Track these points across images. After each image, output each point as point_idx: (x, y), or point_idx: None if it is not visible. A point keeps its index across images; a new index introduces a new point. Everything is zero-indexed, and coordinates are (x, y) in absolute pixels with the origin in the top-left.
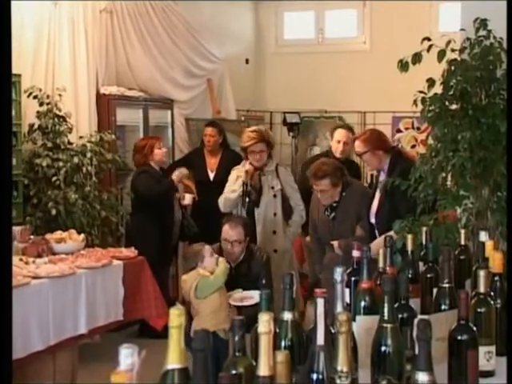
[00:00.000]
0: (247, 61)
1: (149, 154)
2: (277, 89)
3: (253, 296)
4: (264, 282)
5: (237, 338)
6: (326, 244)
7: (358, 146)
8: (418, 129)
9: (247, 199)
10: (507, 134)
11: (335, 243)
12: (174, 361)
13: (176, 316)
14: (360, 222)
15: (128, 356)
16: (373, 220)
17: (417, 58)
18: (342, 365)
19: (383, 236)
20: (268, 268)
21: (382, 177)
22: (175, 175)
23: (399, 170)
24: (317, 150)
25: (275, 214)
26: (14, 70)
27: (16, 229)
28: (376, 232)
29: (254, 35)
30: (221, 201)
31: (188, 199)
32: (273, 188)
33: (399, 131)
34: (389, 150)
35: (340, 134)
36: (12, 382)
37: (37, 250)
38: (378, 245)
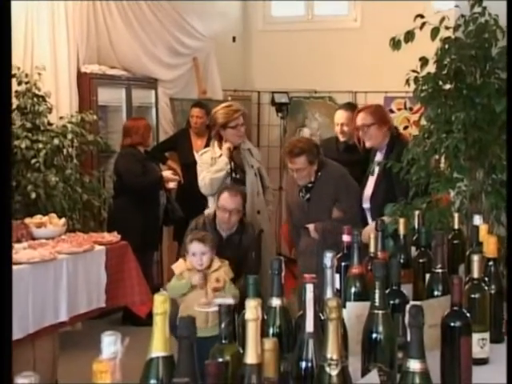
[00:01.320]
0: (234, 39)
1: (147, 137)
2: (265, 68)
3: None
4: (254, 255)
5: (223, 325)
6: (300, 228)
7: (364, 117)
8: (411, 109)
9: (237, 176)
10: (507, 117)
11: (311, 226)
12: (158, 348)
13: (160, 302)
14: (337, 204)
15: (111, 344)
16: (366, 205)
17: (409, 35)
18: (331, 352)
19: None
20: (259, 244)
21: (378, 157)
22: (166, 175)
23: (398, 151)
24: (306, 132)
25: (258, 193)
26: None
27: None
28: (369, 217)
29: (241, 12)
30: (205, 183)
31: (172, 183)
32: (252, 166)
33: (391, 112)
34: (390, 128)
35: (337, 116)
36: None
37: (16, 234)
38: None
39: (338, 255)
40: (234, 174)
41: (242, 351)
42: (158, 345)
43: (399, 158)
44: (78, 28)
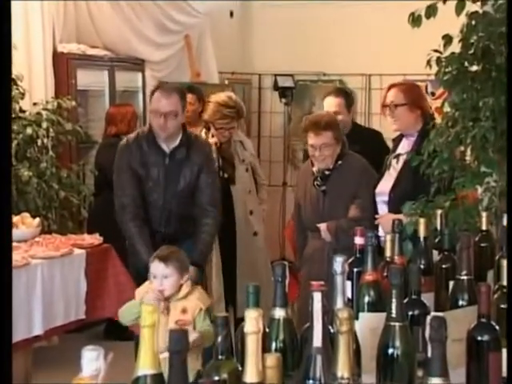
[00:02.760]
0: (231, 14)
1: (134, 125)
2: (266, 47)
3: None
4: (208, 173)
5: (220, 339)
6: (309, 230)
7: (396, 95)
8: (433, 94)
9: (225, 175)
10: (507, 116)
11: (323, 226)
12: (146, 365)
13: (148, 313)
14: (356, 201)
15: (92, 360)
16: (383, 198)
17: (431, 10)
18: (342, 370)
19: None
20: (212, 160)
21: (405, 146)
22: None
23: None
24: None
25: (250, 191)
26: None
27: None
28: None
29: None
30: None
31: None
32: (244, 161)
33: None
34: (425, 114)
35: (327, 103)
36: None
37: None
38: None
39: (350, 260)
40: (221, 173)
41: (240, 368)
42: (146, 361)
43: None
44: (54, 4)
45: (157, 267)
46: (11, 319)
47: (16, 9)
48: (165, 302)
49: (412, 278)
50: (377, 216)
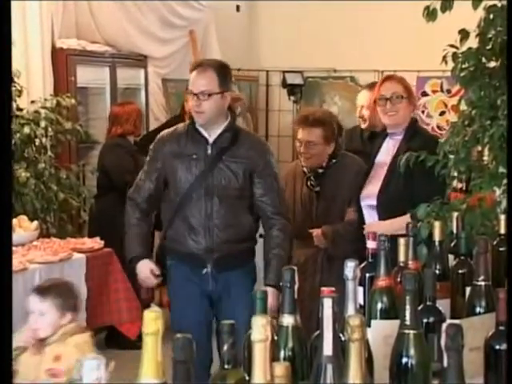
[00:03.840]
0: (238, 8)
1: (140, 125)
2: (274, 43)
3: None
4: (267, 174)
5: (226, 347)
6: (298, 236)
7: (395, 87)
8: (449, 92)
9: None
10: (507, 116)
11: (316, 231)
12: (149, 375)
13: (152, 320)
14: (352, 204)
15: (93, 369)
16: (370, 202)
17: (447, 4)
18: (353, 379)
19: (397, 219)
20: (272, 160)
21: (390, 144)
22: None
23: (420, 141)
24: None
25: None
26: None
27: None
28: (373, 217)
29: None
30: None
31: None
32: None
33: (425, 94)
34: (414, 110)
35: (360, 98)
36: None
37: None
38: (385, 226)
39: (362, 265)
40: None
41: (247, 378)
42: (149, 370)
43: (423, 148)
44: None
45: (33, 301)
46: (11, 322)
47: (13, 3)
48: (38, 344)
49: (427, 283)
50: (366, 226)
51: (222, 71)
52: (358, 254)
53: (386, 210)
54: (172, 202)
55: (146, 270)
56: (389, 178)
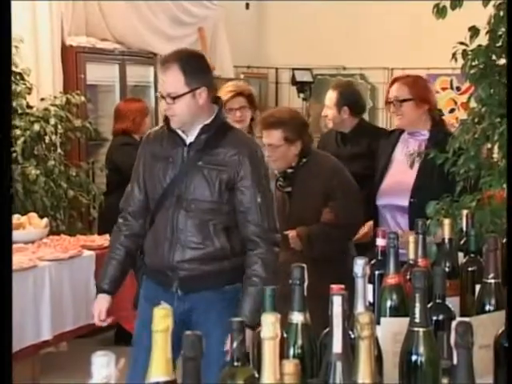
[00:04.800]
0: (247, 5)
1: (140, 122)
2: (283, 40)
3: None
4: (253, 184)
5: (235, 344)
6: None
7: (399, 89)
8: (458, 89)
9: None
10: (507, 116)
11: (292, 233)
12: (158, 372)
13: (161, 317)
14: (330, 203)
15: (103, 366)
16: (382, 201)
17: (457, 1)
18: (363, 377)
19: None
20: (261, 166)
21: (413, 144)
22: None
23: (442, 140)
24: None
25: None
26: None
27: None
28: (402, 218)
29: None
30: None
31: None
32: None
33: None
34: (434, 109)
35: (326, 98)
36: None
37: None
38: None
39: (372, 262)
40: None
41: (257, 375)
42: (159, 368)
43: (443, 148)
44: None
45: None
46: (11, 323)
47: (22, 0)
48: None
49: (436, 281)
50: (401, 233)
51: (191, 65)
52: (344, 254)
53: (419, 210)
54: (150, 210)
55: (98, 306)
56: (423, 178)
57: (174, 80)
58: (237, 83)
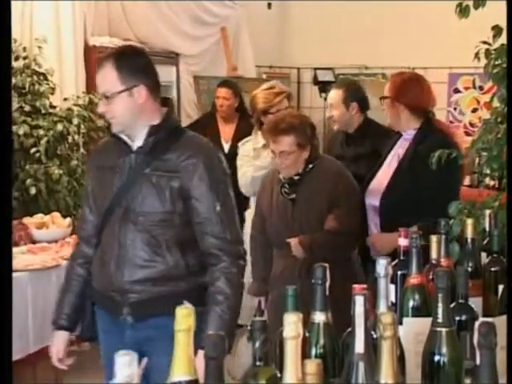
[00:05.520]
0: (269, 5)
1: None
2: (305, 40)
3: None
4: (210, 192)
5: (257, 344)
6: (276, 246)
7: (386, 87)
8: (481, 88)
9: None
10: (507, 133)
11: (294, 240)
12: (181, 371)
13: (183, 317)
14: (334, 211)
15: (125, 365)
16: (374, 202)
17: (480, 0)
18: (385, 377)
19: (401, 231)
20: (217, 170)
21: (402, 143)
22: None
23: (429, 142)
24: None
25: None
26: None
27: None
28: (377, 218)
29: None
30: (246, 181)
31: None
32: None
33: (457, 91)
34: (418, 110)
35: (330, 97)
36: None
37: (13, 237)
38: (389, 241)
39: (394, 262)
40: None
41: (279, 375)
42: (181, 367)
43: (429, 151)
44: None
45: None
46: (11, 322)
47: (46, 2)
48: None
49: (459, 281)
50: (369, 237)
51: (127, 62)
52: (347, 259)
53: (388, 211)
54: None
55: (56, 345)
56: (395, 179)
57: (107, 78)
58: (278, 84)
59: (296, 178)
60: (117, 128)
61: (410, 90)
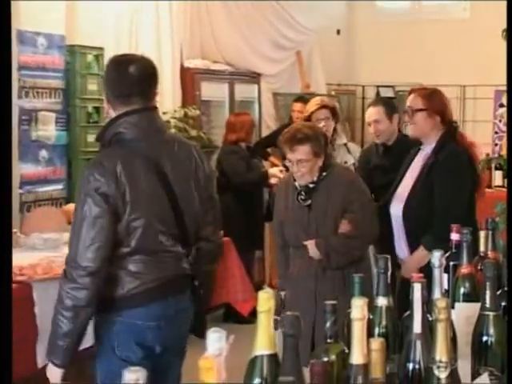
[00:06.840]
0: (338, 31)
1: (250, 133)
2: (369, 61)
3: None
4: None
5: (328, 324)
6: (294, 247)
7: (414, 100)
8: None
9: None
10: (507, 118)
11: (310, 242)
12: (263, 346)
13: (265, 300)
14: (347, 215)
15: (216, 340)
16: (398, 211)
17: None
18: (440, 354)
19: (421, 250)
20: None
21: (423, 154)
22: (273, 172)
23: (445, 154)
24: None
25: None
26: (97, 44)
27: None
28: (402, 227)
29: (345, 4)
30: None
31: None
32: (346, 163)
33: (502, 106)
34: (447, 121)
35: (367, 115)
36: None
37: None
38: (415, 261)
39: (447, 254)
40: None
41: (347, 351)
42: (263, 342)
43: (446, 162)
44: (182, 23)
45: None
46: (11, 323)
47: (149, 31)
48: None
49: (504, 271)
50: (402, 262)
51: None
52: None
53: (411, 220)
54: None
55: (53, 377)
56: (416, 188)
57: None
58: (323, 98)
59: (311, 185)
60: None
61: (444, 101)
